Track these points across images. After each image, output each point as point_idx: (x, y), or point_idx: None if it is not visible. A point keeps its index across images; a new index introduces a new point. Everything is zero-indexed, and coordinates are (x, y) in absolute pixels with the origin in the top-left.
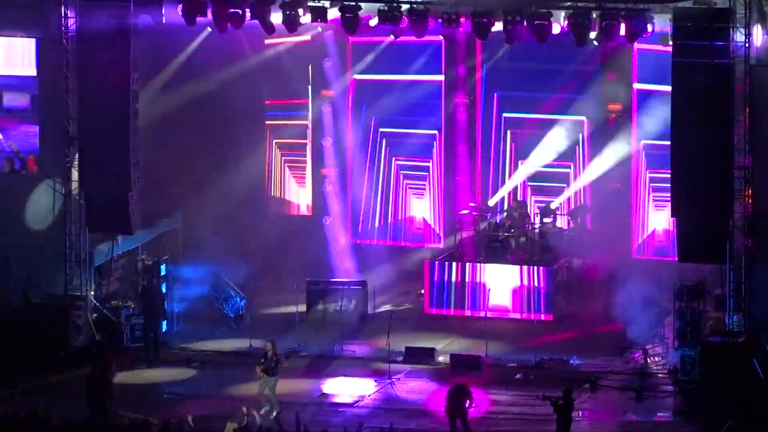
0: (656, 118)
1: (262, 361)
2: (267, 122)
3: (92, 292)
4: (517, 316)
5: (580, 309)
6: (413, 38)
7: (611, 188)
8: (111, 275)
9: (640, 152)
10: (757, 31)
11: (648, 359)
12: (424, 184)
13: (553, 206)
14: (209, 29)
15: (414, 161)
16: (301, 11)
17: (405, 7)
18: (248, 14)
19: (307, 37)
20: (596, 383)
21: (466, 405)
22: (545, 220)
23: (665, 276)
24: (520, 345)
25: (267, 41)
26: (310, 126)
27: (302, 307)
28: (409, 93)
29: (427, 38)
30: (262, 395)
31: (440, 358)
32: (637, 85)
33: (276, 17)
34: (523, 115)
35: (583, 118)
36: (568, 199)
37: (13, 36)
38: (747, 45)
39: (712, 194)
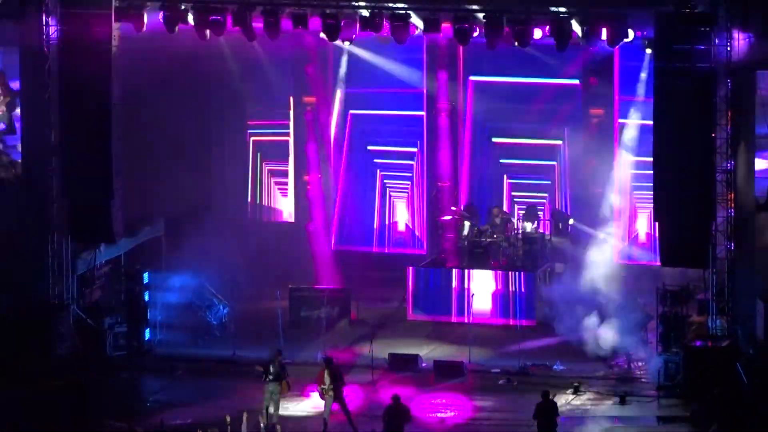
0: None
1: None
2: (249, 129)
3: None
4: (500, 321)
5: (563, 314)
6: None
7: (593, 193)
8: (93, 283)
9: (623, 157)
10: (738, 34)
11: (631, 364)
12: (407, 190)
13: (534, 211)
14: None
15: (397, 167)
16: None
17: (386, 12)
18: (229, 21)
19: None
20: (580, 388)
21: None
22: (527, 225)
23: (648, 280)
24: (504, 351)
25: None
26: (292, 132)
27: (285, 314)
28: (391, 98)
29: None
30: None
31: (423, 365)
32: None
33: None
34: (505, 123)
35: (564, 126)
36: (551, 203)
37: None
38: (729, 49)
39: (695, 198)
